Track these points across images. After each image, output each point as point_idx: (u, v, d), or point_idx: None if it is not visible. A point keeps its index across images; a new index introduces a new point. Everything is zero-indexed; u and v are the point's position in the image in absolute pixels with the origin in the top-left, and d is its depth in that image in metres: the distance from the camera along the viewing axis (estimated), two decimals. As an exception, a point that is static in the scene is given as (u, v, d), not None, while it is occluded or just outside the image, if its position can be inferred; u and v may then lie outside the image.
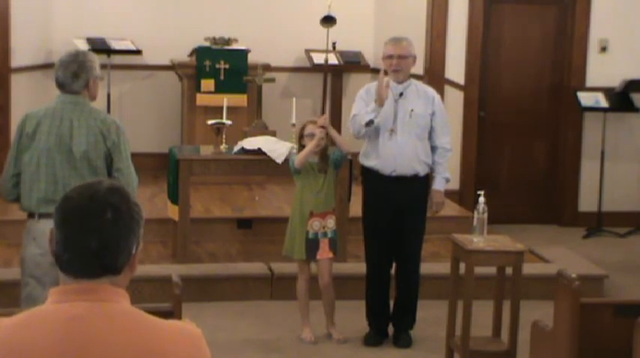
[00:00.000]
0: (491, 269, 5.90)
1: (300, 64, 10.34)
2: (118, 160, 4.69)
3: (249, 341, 6.23)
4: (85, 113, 4.70)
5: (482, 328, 5.87)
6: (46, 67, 9.13)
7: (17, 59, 9.04)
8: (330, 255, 6.19)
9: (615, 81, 9.14)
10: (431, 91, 6.31)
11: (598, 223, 9.20)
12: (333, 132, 6.23)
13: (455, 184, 8.98)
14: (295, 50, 10.29)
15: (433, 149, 6.21)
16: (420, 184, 6.20)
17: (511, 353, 5.61)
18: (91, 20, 9.89)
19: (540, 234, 8.92)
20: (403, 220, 6.14)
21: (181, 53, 9.80)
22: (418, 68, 8.10)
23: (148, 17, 10.10)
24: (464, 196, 9.12)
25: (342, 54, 10.15)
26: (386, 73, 6.05)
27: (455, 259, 5.79)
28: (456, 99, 9.20)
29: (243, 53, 9.47)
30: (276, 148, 7.20)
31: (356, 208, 6.69)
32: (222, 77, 9.32)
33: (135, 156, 4.96)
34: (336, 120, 9.69)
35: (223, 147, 7.46)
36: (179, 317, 3.56)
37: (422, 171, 6.17)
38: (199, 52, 9.42)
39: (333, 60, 9.90)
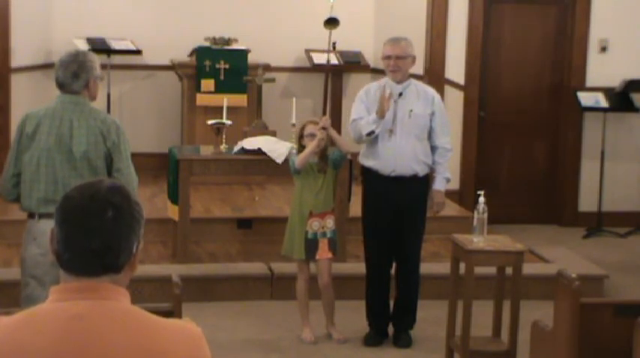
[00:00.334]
0: (492, 269, 5.90)
1: (300, 64, 10.34)
2: (117, 160, 4.69)
3: (249, 341, 6.24)
4: (85, 113, 4.70)
5: (483, 328, 5.87)
6: (46, 67, 9.13)
7: (17, 59, 9.04)
8: (329, 255, 6.19)
9: (615, 81, 9.14)
10: (430, 91, 6.31)
11: (598, 223, 9.20)
12: (333, 133, 6.23)
13: (455, 184, 8.98)
14: (295, 50, 10.30)
15: (433, 149, 6.20)
16: (420, 184, 6.20)
17: (511, 353, 5.62)
18: (91, 20, 9.89)
19: (540, 234, 8.92)
20: (403, 220, 6.14)
21: (181, 53, 9.80)
22: (418, 68, 8.10)
23: (148, 17, 10.10)
24: (464, 196, 9.12)
25: (342, 54, 10.15)
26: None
27: (455, 259, 5.80)
28: (456, 99, 9.20)
29: (243, 53, 9.47)
30: (276, 148, 7.20)
31: (356, 208, 6.69)
32: (222, 77, 9.32)
33: (135, 156, 4.96)
34: (336, 121, 9.68)
35: (223, 147, 7.46)
36: (179, 317, 3.55)
37: (421, 171, 6.17)
38: (199, 52, 9.42)
39: (333, 60, 9.88)
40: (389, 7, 10.18)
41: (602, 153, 9.23)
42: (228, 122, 7.55)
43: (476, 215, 5.67)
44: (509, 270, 5.73)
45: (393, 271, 6.31)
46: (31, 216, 4.74)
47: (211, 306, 6.77)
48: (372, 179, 6.19)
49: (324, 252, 6.17)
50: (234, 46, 9.63)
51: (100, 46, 9.51)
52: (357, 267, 6.80)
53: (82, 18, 9.90)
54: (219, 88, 9.26)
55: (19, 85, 9.07)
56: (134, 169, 4.78)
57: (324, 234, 6.17)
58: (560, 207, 9.45)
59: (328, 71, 7.14)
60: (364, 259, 6.36)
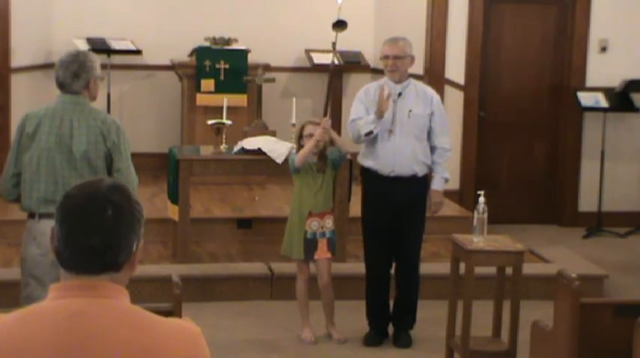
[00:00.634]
0: (492, 269, 5.90)
1: (300, 64, 10.34)
2: (118, 160, 4.69)
3: (249, 341, 6.24)
4: (85, 113, 4.70)
5: (482, 328, 5.87)
6: (46, 67, 9.13)
7: (17, 59, 9.05)
8: (328, 255, 6.19)
9: (615, 81, 9.14)
10: (430, 91, 6.30)
11: (598, 223, 9.20)
12: (333, 134, 6.23)
13: (455, 184, 8.99)
14: (295, 50, 10.30)
15: (432, 149, 6.20)
16: (419, 184, 6.20)
17: (511, 353, 5.62)
18: (91, 20, 9.89)
19: (540, 234, 8.92)
20: (402, 220, 6.14)
21: (181, 53, 9.80)
22: (418, 68, 8.11)
23: (148, 17, 10.11)
24: (464, 196, 9.12)
25: (342, 54, 10.15)
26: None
27: (455, 259, 5.80)
28: (456, 99, 9.20)
29: (243, 53, 9.47)
30: (276, 148, 7.20)
31: (356, 208, 6.69)
32: (222, 77, 9.32)
33: (135, 156, 4.95)
34: (336, 120, 9.68)
35: (223, 147, 7.46)
36: (179, 317, 3.56)
37: (420, 171, 6.17)
38: (199, 52, 9.43)
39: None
40: (389, 7, 10.18)
41: (602, 153, 9.23)
42: (228, 122, 7.55)
43: (476, 215, 5.67)
44: (509, 270, 5.73)
45: (392, 271, 6.31)
46: (31, 216, 4.74)
47: (211, 306, 6.77)
48: (371, 179, 6.19)
49: (322, 252, 6.17)
50: (234, 46, 9.63)
51: (100, 46, 9.51)
52: (356, 266, 6.80)
53: (82, 18, 9.90)
54: (219, 88, 9.26)
55: (19, 85, 9.07)
56: (134, 169, 4.78)
57: (323, 234, 6.17)
58: (560, 207, 9.45)
59: (332, 74, 7.14)
60: (364, 259, 6.36)
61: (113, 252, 2.08)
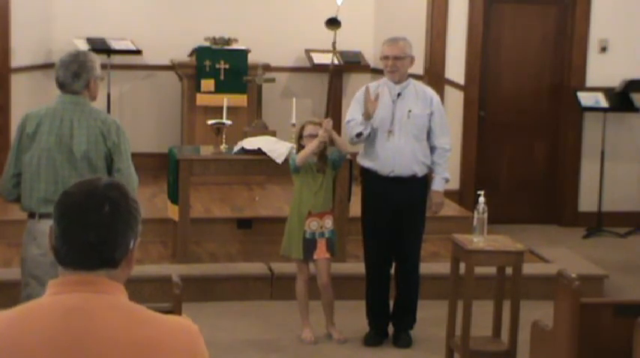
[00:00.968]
0: (492, 269, 5.90)
1: (300, 64, 10.34)
2: (118, 160, 4.69)
3: (249, 341, 6.24)
4: (85, 113, 4.70)
5: (483, 328, 5.87)
6: (46, 67, 9.13)
7: (17, 59, 9.05)
8: (327, 255, 6.18)
9: (615, 81, 9.15)
10: (429, 91, 6.30)
11: (598, 223, 9.20)
12: (333, 134, 6.23)
13: (455, 184, 8.99)
14: (295, 50, 10.30)
15: (432, 149, 6.20)
16: (419, 185, 6.20)
17: (511, 353, 5.62)
18: (91, 20, 9.89)
19: (540, 234, 8.92)
20: (402, 220, 6.14)
21: (181, 53, 9.80)
22: (418, 68, 8.11)
23: (148, 17, 10.10)
24: (464, 196, 9.12)
25: (342, 54, 10.15)
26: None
27: (455, 259, 5.80)
28: (456, 99, 9.20)
29: (243, 53, 9.47)
30: (276, 148, 7.20)
31: (356, 208, 6.69)
32: (222, 77, 9.32)
33: (135, 156, 4.95)
34: (336, 121, 9.67)
35: (223, 147, 7.46)
36: (179, 317, 3.56)
37: (420, 171, 6.17)
38: (199, 52, 9.42)
39: (333, 60, 9.89)
40: (389, 7, 10.18)
41: (602, 153, 9.23)
42: (228, 122, 7.55)
43: (476, 215, 5.67)
44: (509, 270, 5.73)
45: (392, 271, 6.31)
46: (31, 216, 4.74)
47: (211, 306, 6.77)
48: (371, 179, 6.19)
49: (321, 252, 6.17)
50: (234, 46, 9.63)
51: (100, 46, 9.51)
52: (356, 266, 6.80)
53: (82, 18, 9.90)
54: (219, 88, 9.25)
55: (19, 85, 9.07)
56: (134, 169, 4.78)
57: (322, 234, 6.17)
58: (560, 207, 9.45)
59: (332, 74, 7.15)
60: (364, 259, 6.36)
61: (110, 248, 2.09)
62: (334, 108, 10.09)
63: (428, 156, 6.19)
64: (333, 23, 6.96)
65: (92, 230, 2.07)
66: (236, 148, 7.42)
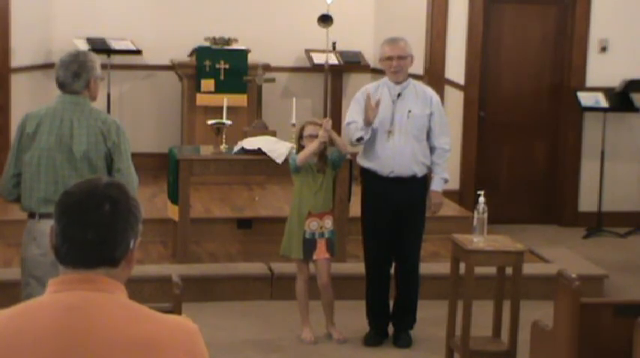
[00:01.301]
0: (492, 269, 5.90)
1: (300, 64, 10.34)
2: (118, 160, 4.69)
3: (249, 341, 6.24)
4: (85, 113, 4.70)
5: (483, 328, 5.87)
6: (46, 67, 9.13)
7: (17, 59, 9.05)
8: (327, 255, 6.18)
9: (615, 81, 9.15)
10: (429, 92, 6.30)
11: (598, 223, 9.20)
12: (333, 135, 6.23)
13: (455, 184, 8.99)
14: (295, 50, 10.30)
15: (432, 149, 6.20)
16: (419, 185, 6.20)
17: (511, 353, 5.62)
18: (91, 20, 9.89)
19: (540, 234, 8.92)
20: (402, 220, 6.14)
21: (181, 53, 9.80)
22: (418, 68, 8.11)
23: (148, 17, 10.11)
24: (464, 196, 9.12)
25: (342, 54, 10.15)
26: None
27: (455, 259, 5.80)
28: (456, 99, 9.20)
29: (243, 53, 9.47)
30: (276, 148, 7.20)
31: (356, 208, 6.69)
32: (222, 77, 9.32)
33: (135, 156, 4.95)
34: (336, 121, 9.67)
35: (223, 147, 7.46)
36: (179, 317, 3.56)
37: (420, 172, 6.17)
38: (199, 52, 9.43)
39: (333, 60, 9.90)
40: (389, 7, 10.18)
41: (602, 153, 9.23)
42: (228, 122, 7.55)
43: (476, 215, 5.67)
44: (509, 270, 5.73)
45: (392, 271, 6.31)
46: (31, 216, 4.74)
47: (211, 306, 6.78)
48: (370, 180, 6.19)
49: (321, 252, 6.17)
50: (234, 46, 9.63)
51: (100, 46, 9.51)
52: (356, 266, 6.80)
53: (82, 18, 9.90)
54: (219, 88, 9.26)
55: (19, 85, 9.08)
56: (134, 169, 4.78)
57: (322, 235, 6.17)
58: (560, 207, 9.45)
59: (327, 72, 7.15)
60: (364, 259, 6.36)
61: (110, 247, 2.10)
62: (334, 109, 10.10)
63: (428, 156, 6.19)
64: (324, 20, 6.95)
65: (92, 228, 2.08)
66: (236, 148, 7.42)
